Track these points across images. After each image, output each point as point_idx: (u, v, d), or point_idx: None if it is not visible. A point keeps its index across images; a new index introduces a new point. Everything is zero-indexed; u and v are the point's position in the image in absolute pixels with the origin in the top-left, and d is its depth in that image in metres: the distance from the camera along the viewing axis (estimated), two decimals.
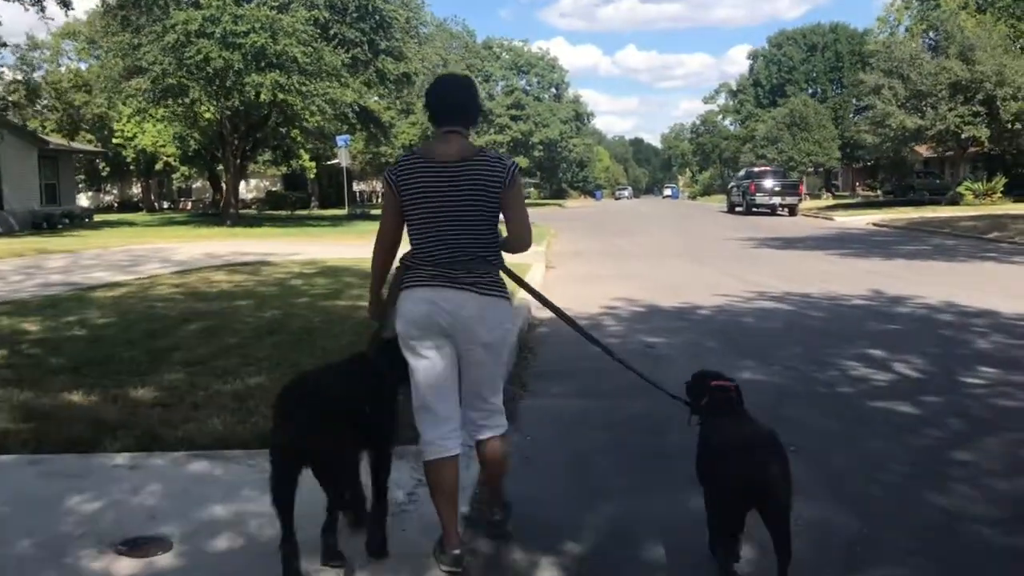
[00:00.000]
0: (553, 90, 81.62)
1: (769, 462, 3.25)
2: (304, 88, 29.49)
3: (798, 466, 4.69)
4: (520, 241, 3.64)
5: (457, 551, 3.47)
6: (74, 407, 5.78)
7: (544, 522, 4.14)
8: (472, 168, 3.48)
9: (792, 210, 38.75)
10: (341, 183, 45.18)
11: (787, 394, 6.47)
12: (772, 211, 39.14)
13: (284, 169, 54.26)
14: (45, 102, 47.10)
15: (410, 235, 3.59)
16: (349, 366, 3.75)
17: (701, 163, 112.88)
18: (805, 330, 9.31)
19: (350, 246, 20.08)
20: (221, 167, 39.72)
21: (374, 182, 68.58)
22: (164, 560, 3.57)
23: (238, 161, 36.13)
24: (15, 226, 31.11)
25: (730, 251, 19.88)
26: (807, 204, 44.36)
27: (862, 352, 7.89)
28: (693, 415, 3.76)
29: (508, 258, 3.73)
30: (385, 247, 3.68)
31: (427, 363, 3.54)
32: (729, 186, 48.10)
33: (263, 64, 29.01)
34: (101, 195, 61.03)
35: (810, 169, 64.82)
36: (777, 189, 39.13)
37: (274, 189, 57.86)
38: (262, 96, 29.16)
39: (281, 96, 29.18)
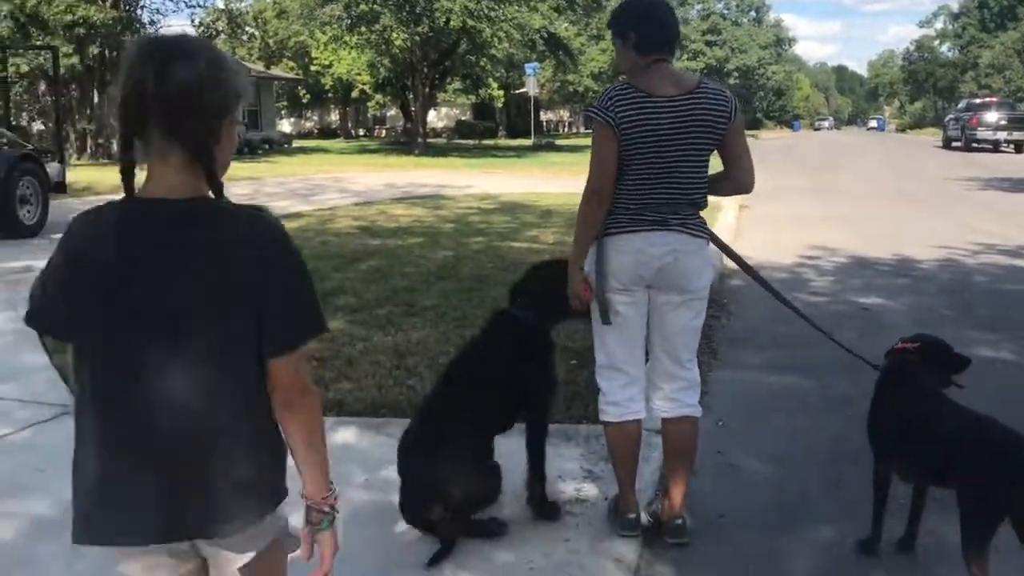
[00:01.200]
0: (753, 13, 77.41)
1: None
2: (493, 13, 28.98)
3: None
4: (743, 184, 3.27)
5: (633, 515, 3.27)
6: None
7: (735, 538, 3.35)
8: (698, 102, 3.07)
9: (1020, 147, 34.86)
10: (529, 112, 44.63)
11: None
12: (995, 147, 35.37)
13: (473, 98, 54.32)
14: (250, 30, 48.89)
15: (620, 177, 3.10)
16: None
17: (912, 93, 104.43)
18: None
19: (533, 178, 19.51)
20: (411, 95, 40.07)
21: (561, 111, 67.73)
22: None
23: (427, 90, 36.23)
24: None
25: (950, 192, 17.73)
26: None
27: None
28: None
29: None
30: (603, 199, 3.12)
31: (622, 319, 3.20)
32: (946, 119, 44.03)
33: None
34: (302, 121, 63.41)
35: None
36: (1003, 123, 35.26)
37: (463, 118, 58.14)
38: (451, 22, 28.97)
39: (471, 23, 28.85)
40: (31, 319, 1.68)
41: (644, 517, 3.36)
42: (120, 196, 1.65)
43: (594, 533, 3.29)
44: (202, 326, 1.59)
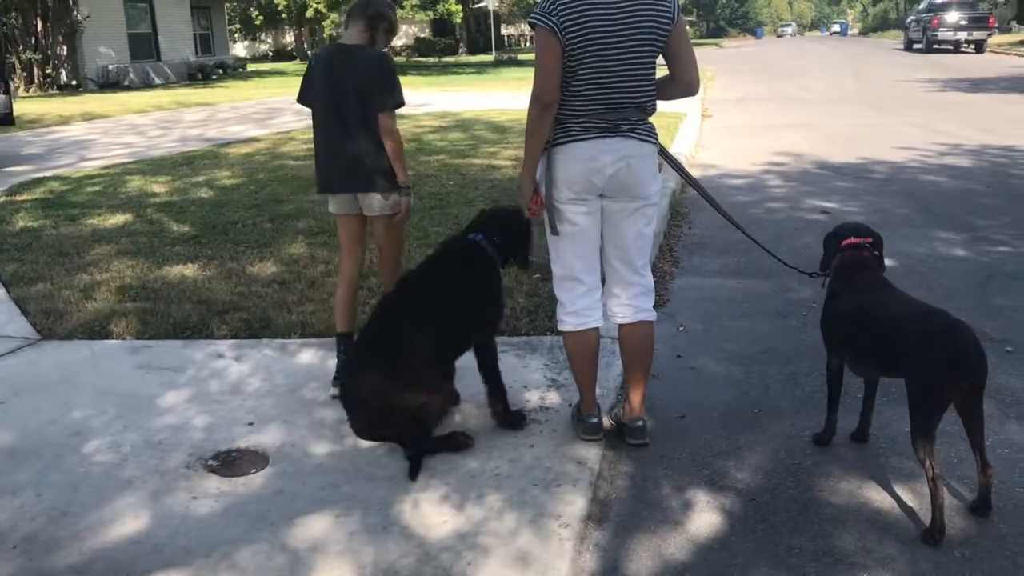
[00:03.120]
0: None
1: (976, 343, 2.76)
2: None
3: (1012, 373, 3.83)
4: (688, 85, 3.24)
5: (595, 419, 3.35)
6: (186, 284, 5.41)
7: (695, 437, 3.44)
8: (639, 4, 3.03)
9: (979, 46, 34.82)
10: (489, 28, 43.75)
11: (996, 275, 5.40)
12: (955, 48, 35.32)
13: (431, 15, 53.10)
14: None
15: (565, 84, 3.08)
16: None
17: None
18: (1012, 193, 7.94)
19: (494, 95, 19.25)
20: None
21: (522, 25, 66.48)
22: (256, 480, 3.10)
23: None
24: (171, 76, 31.75)
25: (911, 95, 17.76)
26: (996, 39, 39.82)
27: None
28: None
29: (660, 106, 3.30)
30: (547, 105, 3.09)
31: (577, 229, 3.22)
32: (907, 20, 43.76)
33: None
34: (256, 44, 61.76)
35: None
36: (963, 23, 35.10)
37: (422, 35, 56.91)
38: None
39: None
40: (299, 100, 3.89)
41: (606, 421, 3.43)
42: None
43: (558, 439, 3.36)
44: (358, 101, 3.65)
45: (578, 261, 3.28)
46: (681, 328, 4.72)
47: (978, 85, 19.48)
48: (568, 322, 3.33)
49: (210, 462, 3.25)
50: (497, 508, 2.87)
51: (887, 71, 25.59)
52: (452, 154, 10.46)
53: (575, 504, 2.90)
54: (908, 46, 39.85)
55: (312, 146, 3.89)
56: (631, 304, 3.34)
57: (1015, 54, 32.79)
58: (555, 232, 3.23)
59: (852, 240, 3.29)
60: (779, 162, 9.91)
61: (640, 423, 3.37)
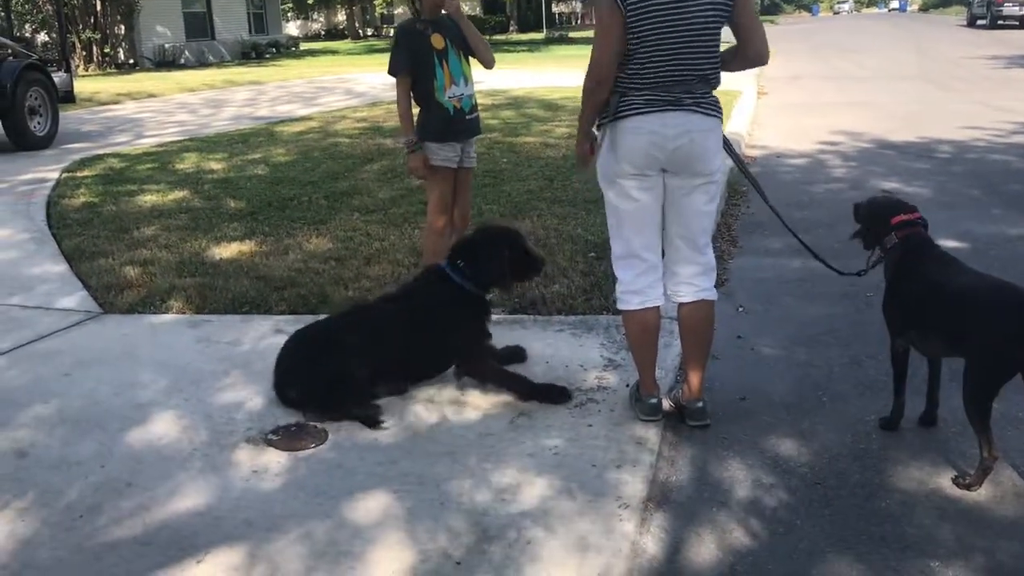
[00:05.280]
0: None
1: None
2: None
3: None
4: (759, 55, 3.14)
5: (655, 400, 3.28)
6: (243, 259, 5.46)
7: (757, 420, 3.37)
8: None
9: None
10: (539, 5, 43.43)
11: None
12: (1022, 23, 34.22)
13: None
14: None
15: (629, 56, 3.02)
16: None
17: None
18: None
19: (546, 73, 19.11)
20: None
21: (573, 3, 65.92)
22: (316, 455, 3.11)
23: None
24: (226, 56, 32.09)
25: (975, 72, 17.24)
26: None
27: None
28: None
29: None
30: (603, 78, 3.07)
31: (637, 206, 3.16)
32: None
33: None
34: (309, 23, 62.10)
35: None
36: None
37: (473, 14, 56.74)
38: None
39: None
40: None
41: (665, 403, 3.37)
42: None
43: (616, 418, 3.32)
44: None
45: (638, 238, 3.21)
46: (741, 308, 4.63)
47: None
48: (629, 301, 3.27)
49: (270, 436, 3.27)
50: (556, 487, 2.84)
51: (949, 48, 24.88)
52: (505, 132, 10.41)
53: (635, 485, 2.86)
54: (971, 22, 38.70)
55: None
56: (692, 283, 3.27)
57: None
58: (614, 206, 3.18)
59: (903, 217, 3.17)
60: (837, 141, 9.69)
61: (700, 404, 3.31)
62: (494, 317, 4.16)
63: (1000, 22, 34.43)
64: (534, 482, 2.88)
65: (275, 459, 3.08)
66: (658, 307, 3.29)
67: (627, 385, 3.55)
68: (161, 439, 3.25)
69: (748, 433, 3.29)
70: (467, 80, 4.24)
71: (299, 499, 2.82)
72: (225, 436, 3.26)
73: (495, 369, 3.59)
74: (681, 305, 3.31)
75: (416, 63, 4.11)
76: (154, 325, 4.48)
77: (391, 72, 4.17)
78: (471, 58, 4.26)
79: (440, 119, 4.18)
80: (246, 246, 5.74)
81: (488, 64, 4.27)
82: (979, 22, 37.15)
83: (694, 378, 3.32)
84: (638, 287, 3.24)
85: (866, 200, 3.40)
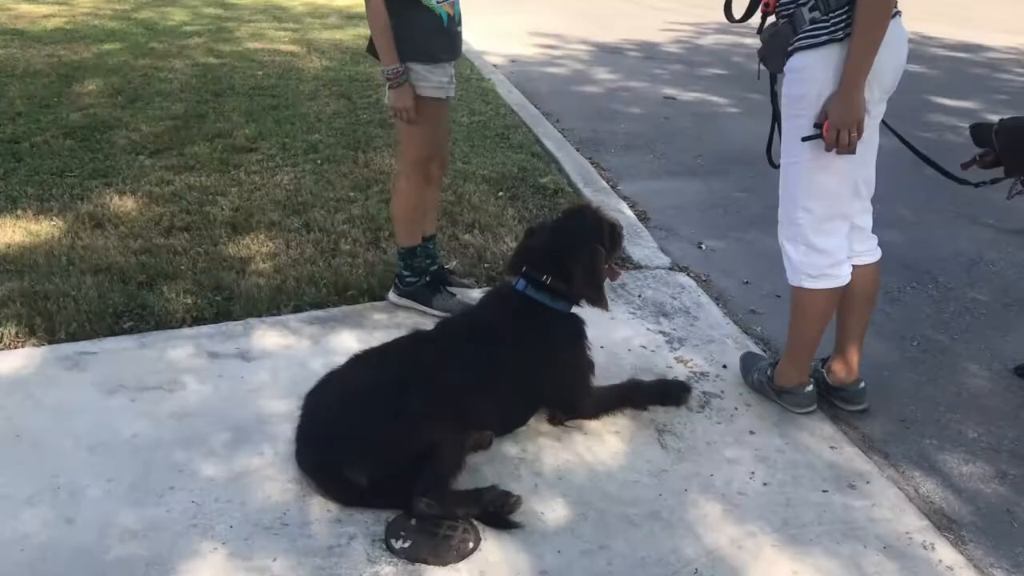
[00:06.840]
0: None
1: None
2: None
3: None
4: None
5: (811, 387, 2.76)
6: (40, 244, 3.78)
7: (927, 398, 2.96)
8: None
9: None
10: None
11: None
12: None
13: None
14: None
15: None
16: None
17: None
18: None
19: None
20: None
21: None
22: (487, 556, 2.15)
23: None
24: None
25: None
26: None
27: None
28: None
29: None
30: None
31: (863, 149, 2.40)
32: None
33: None
34: None
35: None
36: None
37: None
38: None
39: None
40: None
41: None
42: None
43: (775, 420, 2.73)
44: None
45: (847, 188, 2.51)
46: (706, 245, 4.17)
47: None
48: (834, 276, 2.57)
49: (393, 543, 2.19)
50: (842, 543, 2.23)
51: None
52: (213, 37, 8.61)
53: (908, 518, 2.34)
54: None
55: None
56: (873, 237, 2.70)
57: None
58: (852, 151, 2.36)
59: None
60: (554, 44, 9.27)
61: (862, 385, 2.82)
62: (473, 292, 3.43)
63: None
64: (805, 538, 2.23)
65: None
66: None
67: (724, 366, 3.00)
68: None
69: (920, 413, 2.86)
70: None
71: None
72: (323, 568, 2.09)
73: (606, 396, 2.72)
74: (860, 268, 2.67)
75: None
76: (8, 373, 2.82)
77: None
78: None
79: (430, 30, 2.94)
80: (27, 224, 3.98)
81: None
82: None
83: (853, 355, 2.80)
84: (842, 257, 2.57)
85: (1009, 122, 2.83)
